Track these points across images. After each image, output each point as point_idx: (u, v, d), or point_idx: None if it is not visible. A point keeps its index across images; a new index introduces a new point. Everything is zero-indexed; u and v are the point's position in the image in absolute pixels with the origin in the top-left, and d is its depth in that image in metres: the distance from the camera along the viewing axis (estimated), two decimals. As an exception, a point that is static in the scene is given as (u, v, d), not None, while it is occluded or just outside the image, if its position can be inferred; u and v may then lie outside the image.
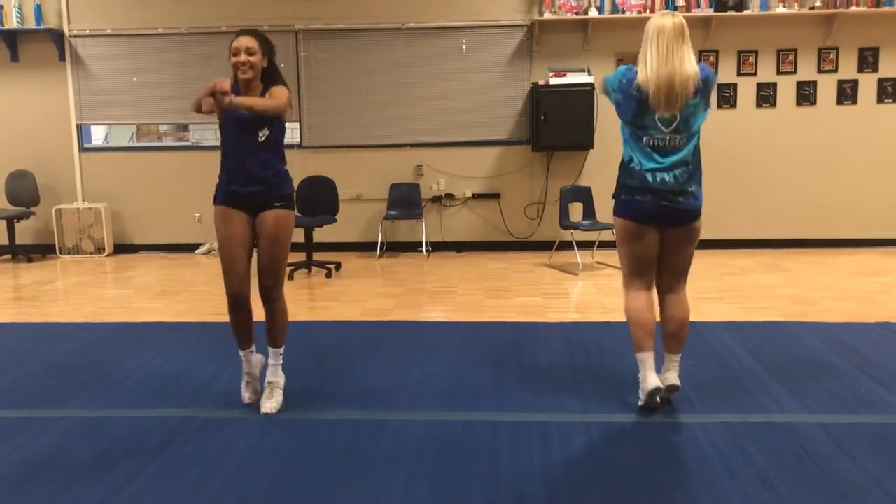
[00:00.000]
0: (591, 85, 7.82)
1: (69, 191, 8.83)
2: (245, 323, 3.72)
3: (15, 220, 8.46)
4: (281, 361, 3.83)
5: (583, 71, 8.05)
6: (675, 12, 3.59)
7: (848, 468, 3.03)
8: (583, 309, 5.93)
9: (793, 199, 8.41)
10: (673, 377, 3.65)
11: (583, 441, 3.36)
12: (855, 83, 8.23)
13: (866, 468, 3.03)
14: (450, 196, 8.63)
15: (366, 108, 8.54)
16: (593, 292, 6.49)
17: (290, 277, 7.15)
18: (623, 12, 8.10)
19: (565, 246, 7.87)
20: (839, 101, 8.28)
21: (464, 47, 8.42)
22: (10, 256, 8.53)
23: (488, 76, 8.44)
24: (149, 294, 6.61)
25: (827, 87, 8.26)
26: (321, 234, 7.77)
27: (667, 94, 3.42)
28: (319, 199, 7.58)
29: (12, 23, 8.44)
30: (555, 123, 7.99)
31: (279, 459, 3.21)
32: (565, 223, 7.55)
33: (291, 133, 8.54)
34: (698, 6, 8.09)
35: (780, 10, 8.06)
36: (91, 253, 8.71)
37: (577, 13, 8.13)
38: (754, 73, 8.28)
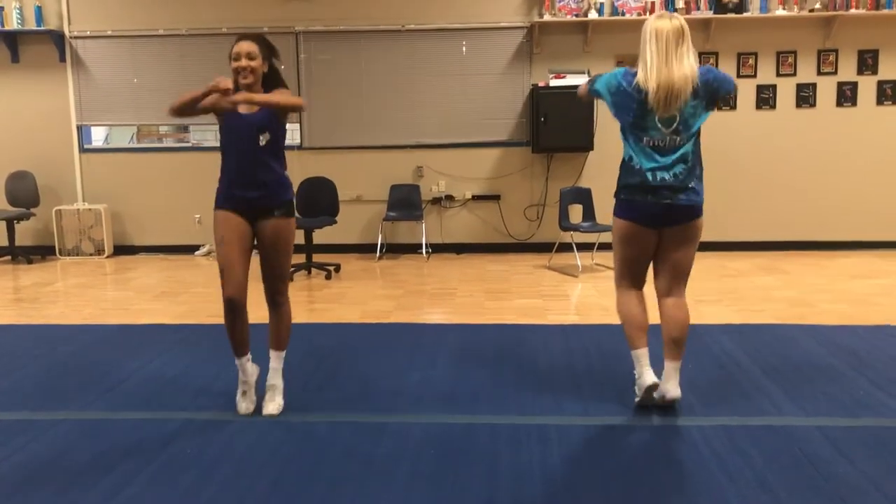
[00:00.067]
0: (591, 87, 7.82)
1: (69, 192, 8.84)
2: (241, 328, 3.70)
3: (15, 221, 8.46)
4: (283, 365, 3.83)
5: (583, 73, 8.05)
6: (675, 14, 3.60)
7: (846, 471, 3.04)
8: (582, 311, 5.94)
9: (791, 201, 8.41)
10: (673, 387, 3.62)
11: (582, 444, 3.36)
12: (854, 85, 8.24)
13: (865, 471, 3.03)
14: (450, 198, 8.63)
15: (366, 109, 8.55)
16: (593, 294, 6.49)
17: (290, 279, 7.13)
18: (623, 14, 8.11)
19: (565, 248, 7.87)
20: (839, 104, 8.29)
21: (464, 49, 8.42)
22: (9, 258, 8.53)
23: (488, 78, 8.45)
24: (148, 296, 6.62)
25: (826, 90, 8.27)
26: (321, 236, 7.78)
27: (665, 96, 3.43)
28: (319, 201, 7.58)
29: (13, 24, 8.45)
30: (555, 125, 8.00)
31: (278, 461, 3.22)
32: (565, 225, 7.56)
33: (292, 134, 8.55)
34: (698, 8, 8.10)
35: (780, 12, 8.07)
36: (91, 254, 8.72)
37: (576, 15, 8.14)
38: (754, 75, 8.29)
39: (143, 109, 8.69)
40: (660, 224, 3.58)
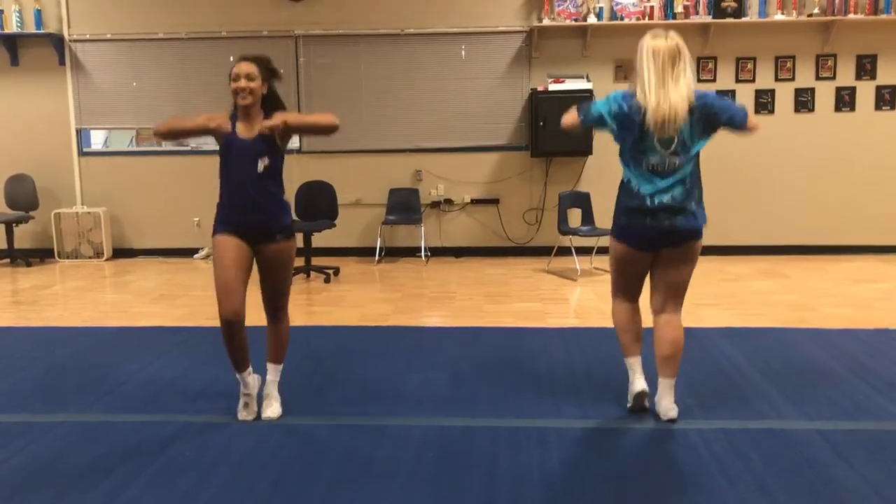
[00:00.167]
0: (590, 91, 7.82)
1: (68, 195, 8.83)
2: (241, 348, 3.66)
3: (14, 224, 8.45)
4: (279, 377, 3.83)
5: (581, 77, 8.06)
6: (671, 33, 3.52)
7: (846, 475, 3.04)
8: (581, 314, 5.94)
9: (790, 205, 8.42)
10: (668, 407, 3.59)
11: (581, 447, 3.36)
12: (853, 90, 8.25)
13: (865, 475, 3.03)
14: (449, 201, 8.64)
15: (365, 113, 8.55)
16: (592, 298, 6.50)
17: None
18: (622, 19, 8.12)
19: (564, 251, 7.87)
20: (837, 108, 8.30)
21: (463, 53, 8.43)
22: (8, 260, 8.52)
23: (487, 82, 8.46)
24: (147, 298, 6.61)
25: (825, 94, 8.28)
26: (320, 239, 7.77)
27: (663, 116, 3.41)
28: (318, 204, 7.59)
29: (12, 27, 8.46)
30: (554, 129, 7.94)
31: (277, 464, 3.21)
32: (564, 229, 7.56)
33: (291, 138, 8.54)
34: (697, 13, 8.11)
35: (779, 17, 8.08)
36: (90, 257, 8.71)
37: (575, 20, 8.15)
38: (752, 80, 8.30)
39: (142, 113, 8.69)
40: (657, 246, 3.57)
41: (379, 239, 8.47)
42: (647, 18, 8.07)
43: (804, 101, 8.30)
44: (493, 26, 8.36)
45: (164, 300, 6.54)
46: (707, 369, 4.37)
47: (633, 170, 3.55)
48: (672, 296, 3.64)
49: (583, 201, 7.81)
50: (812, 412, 3.71)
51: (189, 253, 8.77)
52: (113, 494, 2.95)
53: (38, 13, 8.47)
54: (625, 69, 8.18)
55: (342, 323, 5.66)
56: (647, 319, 3.77)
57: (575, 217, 7.88)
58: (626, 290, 3.76)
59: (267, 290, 3.73)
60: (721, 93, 8.15)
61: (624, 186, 3.61)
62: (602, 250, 7.90)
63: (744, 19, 8.06)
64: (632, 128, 3.48)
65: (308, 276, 7.49)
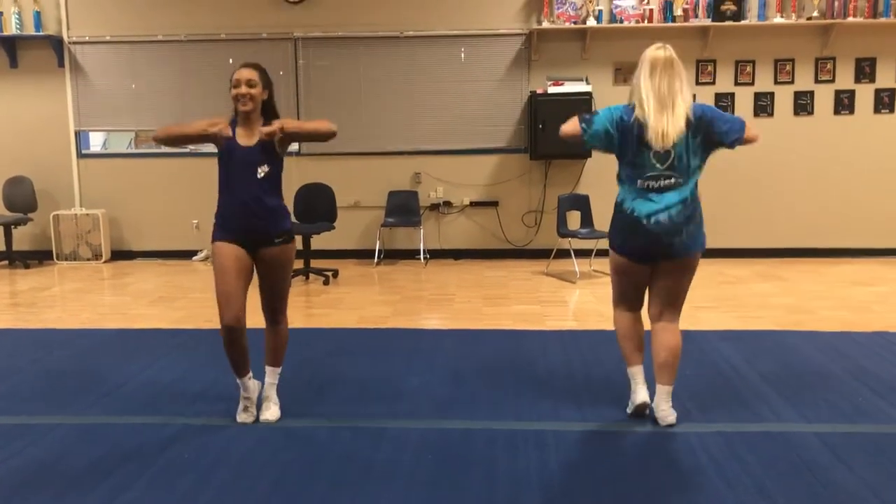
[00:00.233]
0: (590, 94, 7.83)
1: (67, 197, 8.83)
2: (242, 353, 3.66)
3: (12, 226, 8.45)
4: (277, 380, 3.83)
5: (581, 80, 8.06)
6: (667, 45, 3.55)
7: (845, 478, 3.03)
8: (580, 317, 5.94)
9: (789, 208, 8.42)
10: (666, 414, 3.59)
11: (579, 449, 3.36)
12: (852, 93, 8.26)
13: (864, 478, 3.03)
14: (448, 204, 8.64)
15: (364, 115, 8.55)
16: (591, 300, 6.50)
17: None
18: (621, 22, 8.12)
19: (563, 254, 7.88)
20: (836, 111, 8.31)
21: (462, 56, 8.44)
22: (7, 262, 8.51)
23: (487, 84, 8.46)
24: (146, 301, 6.61)
25: (824, 97, 8.29)
26: (319, 242, 7.77)
27: (661, 130, 3.41)
28: (317, 207, 7.59)
29: (11, 29, 8.45)
30: (553, 132, 7.93)
31: (276, 466, 3.21)
32: (563, 231, 7.56)
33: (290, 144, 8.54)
34: (696, 16, 8.12)
35: (778, 20, 8.08)
36: (88, 259, 8.70)
37: (575, 22, 8.15)
38: (752, 83, 8.31)
39: (141, 115, 8.69)
40: (655, 259, 3.57)
41: (378, 241, 8.47)
42: (646, 21, 8.08)
43: (803, 103, 8.31)
44: (493, 29, 8.37)
45: (163, 302, 6.53)
46: (706, 372, 4.37)
47: (628, 187, 3.53)
48: (670, 304, 3.65)
49: (582, 204, 7.81)
50: (811, 415, 3.71)
51: (188, 255, 8.77)
52: (112, 496, 2.94)
53: (38, 15, 8.47)
54: (624, 72, 8.18)
55: (341, 325, 5.66)
56: (646, 325, 3.77)
57: (574, 219, 7.88)
58: (626, 299, 3.76)
59: (266, 293, 3.73)
60: (720, 95, 8.27)
61: (618, 209, 3.60)
62: (601, 252, 7.90)
63: (743, 22, 8.07)
64: (631, 141, 3.48)
65: (307, 278, 7.49)
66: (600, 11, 8.15)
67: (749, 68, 8.28)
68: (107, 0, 8.51)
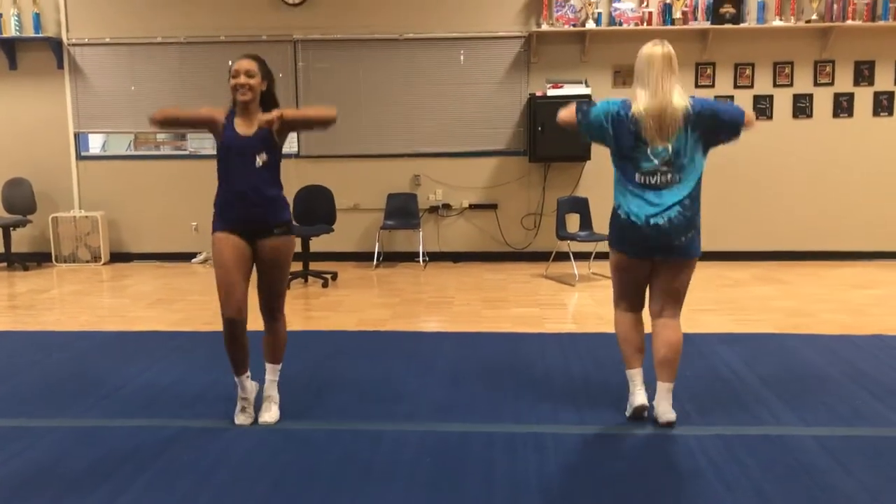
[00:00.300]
0: (589, 96, 7.82)
1: (66, 199, 8.82)
2: (242, 349, 3.67)
3: (11, 228, 8.45)
4: (278, 377, 3.82)
5: (580, 82, 8.06)
6: (664, 41, 3.56)
7: (843, 481, 3.03)
8: (579, 320, 5.94)
9: (788, 211, 8.43)
10: (666, 411, 3.60)
11: (578, 452, 3.36)
12: (851, 96, 8.27)
13: (862, 481, 3.03)
14: (447, 206, 8.64)
15: (364, 118, 8.55)
16: (590, 303, 6.50)
17: (287, 287, 7.13)
18: (620, 24, 8.13)
19: (562, 257, 7.88)
20: (835, 114, 8.31)
21: (462, 58, 8.44)
22: (5, 264, 8.51)
23: (486, 87, 8.46)
24: (144, 303, 6.61)
25: (823, 100, 8.30)
26: (318, 244, 7.78)
27: (658, 124, 3.42)
28: (316, 209, 7.59)
29: (11, 31, 8.45)
30: (552, 134, 7.99)
31: (275, 469, 3.21)
32: (562, 234, 7.56)
33: (289, 143, 8.47)
34: (695, 19, 8.12)
35: (777, 23, 8.09)
36: (87, 261, 8.70)
37: (574, 25, 8.16)
38: (751, 86, 8.31)
39: (140, 117, 8.65)
40: (653, 255, 3.57)
41: (377, 244, 8.47)
42: (645, 24, 8.09)
43: (802, 106, 8.32)
44: (492, 31, 8.37)
45: (162, 304, 6.53)
46: (705, 375, 4.37)
47: (625, 186, 3.53)
48: (670, 301, 3.65)
49: (581, 206, 7.81)
50: (810, 418, 3.71)
51: (187, 257, 8.77)
52: (110, 499, 2.94)
53: (37, 17, 8.48)
54: (623, 74, 8.19)
55: (340, 328, 5.66)
56: (647, 325, 3.77)
57: (573, 222, 7.88)
58: (627, 298, 3.75)
59: (264, 289, 3.71)
60: (719, 98, 8.25)
61: (615, 216, 3.60)
62: (600, 255, 7.91)
63: (742, 25, 8.08)
64: (626, 135, 3.49)
65: (306, 280, 7.48)
66: (599, 14, 8.16)
67: (748, 71, 8.29)
68: (106, 2, 8.51)
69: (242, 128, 3.60)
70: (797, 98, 8.31)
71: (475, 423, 3.71)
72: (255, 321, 3.85)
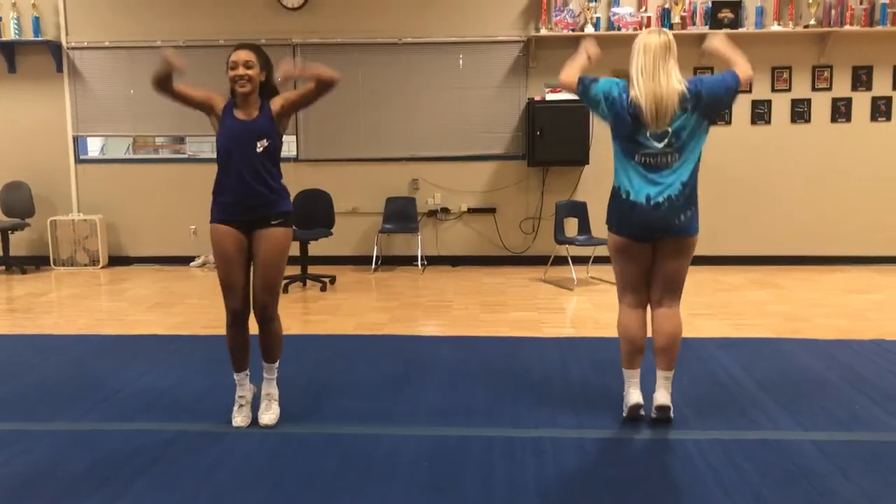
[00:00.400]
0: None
1: (64, 202, 8.82)
2: (243, 341, 3.69)
3: (10, 232, 8.44)
4: (276, 375, 3.82)
5: (579, 87, 8.06)
6: (663, 29, 3.62)
7: (842, 486, 3.04)
8: (578, 324, 5.94)
9: (785, 215, 8.43)
10: (662, 396, 3.63)
11: (577, 457, 3.36)
12: (849, 101, 8.28)
13: (860, 486, 3.03)
14: (445, 210, 8.64)
15: (362, 121, 8.56)
16: (588, 307, 6.50)
17: (285, 291, 7.15)
18: (619, 29, 8.14)
19: (560, 261, 7.88)
20: (833, 119, 8.32)
21: (461, 63, 8.45)
22: (3, 268, 8.50)
23: (485, 91, 8.47)
24: (143, 306, 6.60)
25: (821, 105, 8.31)
26: (316, 248, 7.77)
27: (655, 109, 3.45)
28: (315, 213, 7.59)
29: (10, 34, 8.46)
30: (550, 139, 8.02)
31: (273, 473, 3.21)
32: (560, 238, 7.57)
33: (288, 146, 8.54)
34: (693, 24, 8.14)
35: (775, 27, 8.11)
36: (85, 265, 8.69)
37: (572, 30, 8.17)
38: (749, 91, 8.32)
39: (139, 120, 8.69)
40: (652, 238, 3.58)
41: (375, 247, 8.47)
42: (644, 28, 8.10)
43: (800, 111, 8.33)
44: (491, 36, 8.38)
45: (160, 308, 6.53)
46: (703, 380, 4.37)
47: (625, 165, 3.56)
48: (669, 289, 3.67)
49: (579, 211, 7.82)
50: (808, 423, 3.72)
51: (185, 261, 8.76)
52: (108, 502, 2.94)
53: (36, 20, 8.48)
54: (622, 78, 8.18)
55: (338, 332, 5.66)
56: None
57: (571, 226, 7.88)
58: (630, 285, 3.71)
59: (257, 285, 3.63)
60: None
61: (615, 195, 3.63)
62: (598, 259, 7.93)
63: (740, 30, 8.09)
64: (624, 118, 3.52)
65: (304, 284, 7.48)
66: (598, 19, 8.18)
67: (746, 76, 8.29)
68: (105, 6, 8.52)
69: (242, 115, 3.59)
70: (795, 103, 8.32)
71: (474, 427, 3.71)
72: (253, 326, 3.85)
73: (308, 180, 8.12)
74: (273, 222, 3.61)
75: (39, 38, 8.47)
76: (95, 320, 6.11)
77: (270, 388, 3.80)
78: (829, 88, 8.28)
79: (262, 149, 3.55)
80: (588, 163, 8.12)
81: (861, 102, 8.28)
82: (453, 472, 3.19)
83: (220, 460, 3.33)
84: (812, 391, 4.16)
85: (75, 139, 8.77)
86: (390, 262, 8.65)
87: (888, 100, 8.25)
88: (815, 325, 5.73)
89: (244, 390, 3.76)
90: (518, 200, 8.59)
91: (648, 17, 8.12)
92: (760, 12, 8.12)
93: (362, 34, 8.41)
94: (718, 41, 3.76)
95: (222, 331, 3.73)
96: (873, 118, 8.29)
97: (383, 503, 2.94)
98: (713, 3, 8.04)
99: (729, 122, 8.34)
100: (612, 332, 3.85)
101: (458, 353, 4.97)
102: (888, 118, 8.27)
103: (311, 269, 7.58)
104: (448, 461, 3.31)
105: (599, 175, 8.00)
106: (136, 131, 8.89)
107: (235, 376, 3.74)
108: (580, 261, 7.95)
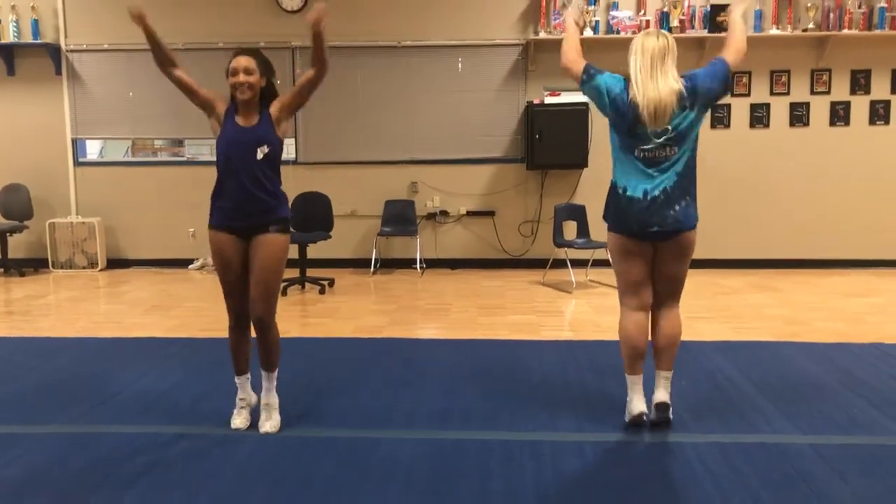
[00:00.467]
0: (586, 104, 7.83)
1: (63, 205, 8.82)
2: (245, 343, 3.70)
3: (8, 234, 8.43)
4: (275, 384, 3.80)
5: (577, 90, 8.06)
6: (663, 31, 3.62)
7: (840, 489, 3.03)
8: (576, 327, 5.94)
9: (784, 219, 8.44)
10: (662, 394, 3.65)
11: (575, 460, 3.35)
12: (847, 105, 8.29)
13: (859, 489, 3.03)
14: (444, 213, 8.64)
15: (361, 124, 8.56)
16: (587, 311, 6.50)
17: (284, 293, 7.14)
18: (618, 33, 8.15)
19: (559, 264, 7.88)
20: (832, 123, 8.33)
21: (460, 66, 8.45)
22: (2, 270, 8.49)
23: (484, 95, 8.47)
24: (141, 309, 6.59)
25: (820, 109, 8.32)
26: (315, 251, 7.77)
27: (653, 111, 3.45)
28: (314, 215, 7.59)
29: (9, 37, 8.46)
30: (549, 142, 8.02)
31: (271, 476, 3.20)
32: (559, 241, 7.57)
33: (287, 149, 8.50)
34: (692, 27, 8.15)
35: (774, 31, 8.12)
36: (84, 267, 8.69)
37: (572, 33, 8.17)
38: (748, 94, 8.33)
39: (138, 123, 8.69)
40: (651, 237, 3.58)
41: (374, 250, 8.47)
42: (641, 31, 8.09)
43: (799, 115, 8.34)
44: (490, 39, 8.39)
45: (158, 311, 6.52)
46: (702, 383, 4.37)
47: (624, 160, 3.57)
48: (669, 290, 3.67)
49: (578, 214, 7.82)
50: (806, 426, 3.71)
51: (184, 264, 8.76)
52: (105, 506, 2.94)
53: (35, 23, 8.48)
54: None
55: (337, 335, 5.65)
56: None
57: (570, 230, 7.89)
58: (633, 286, 3.68)
59: (255, 290, 3.59)
60: (716, 106, 8.25)
61: (613, 191, 3.64)
62: (597, 263, 7.93)
63: (739, 34, 8.09)
64: (624, 115, 3.53)
65: (303, 287, 7.48)
66: (597, 22, 8.19)
67: (745, 79, 8.30)
68: (104, 8, 8.51)
69: (243, 121, 3.58)
70: (794, 106, 8.33)
71: (472, 430, 3.71)
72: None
73: (307, 183, 8.12)
74: (271, 228, 3.60)
75: (38, 41, 8.48)
76: (94, 323, 6.10)
77: (270, 399, 3.77)
78: (828, 92, 8.29)
79: (262, 156, 3.54)
80: (587, 166, 8.12)
81: (859, 106, 8.29)
82: (451, 476, 3.19)
83: (219, 463, 3.33)
84: (811, 395, 4.16)
85: (74, 142, 8.78)
86: (389, 264, 8.65)
87: (886, 103, 8.26)
88: (813, 328, 5.73)
89: (245, 393, 3.77)
90: (517, 203, 8.59)
91: (647, 21, 8.13)
92: (759, 16, 8.13)
93: (361, 37, 8.41)
94: (738, 14, 3.73)
95: (221, 334, 3.73)
96: (872, 122, 8.30)
97: (381, 506, 2.94)
98: (712, 6, 8.04)
99: (728, 126, 8.35)
100: (612, 336, 3.85)
101: (456, 356, 4.97)
102: (886, 122, 8.28)
103: (310, 272, 7.58)
104: (446, 464, 3.30)
105: (598, 178, 7.96)
106: (135, 134, 8.89)
107: (237, 379, 3.75)
108: (579, 264, 7.95)
